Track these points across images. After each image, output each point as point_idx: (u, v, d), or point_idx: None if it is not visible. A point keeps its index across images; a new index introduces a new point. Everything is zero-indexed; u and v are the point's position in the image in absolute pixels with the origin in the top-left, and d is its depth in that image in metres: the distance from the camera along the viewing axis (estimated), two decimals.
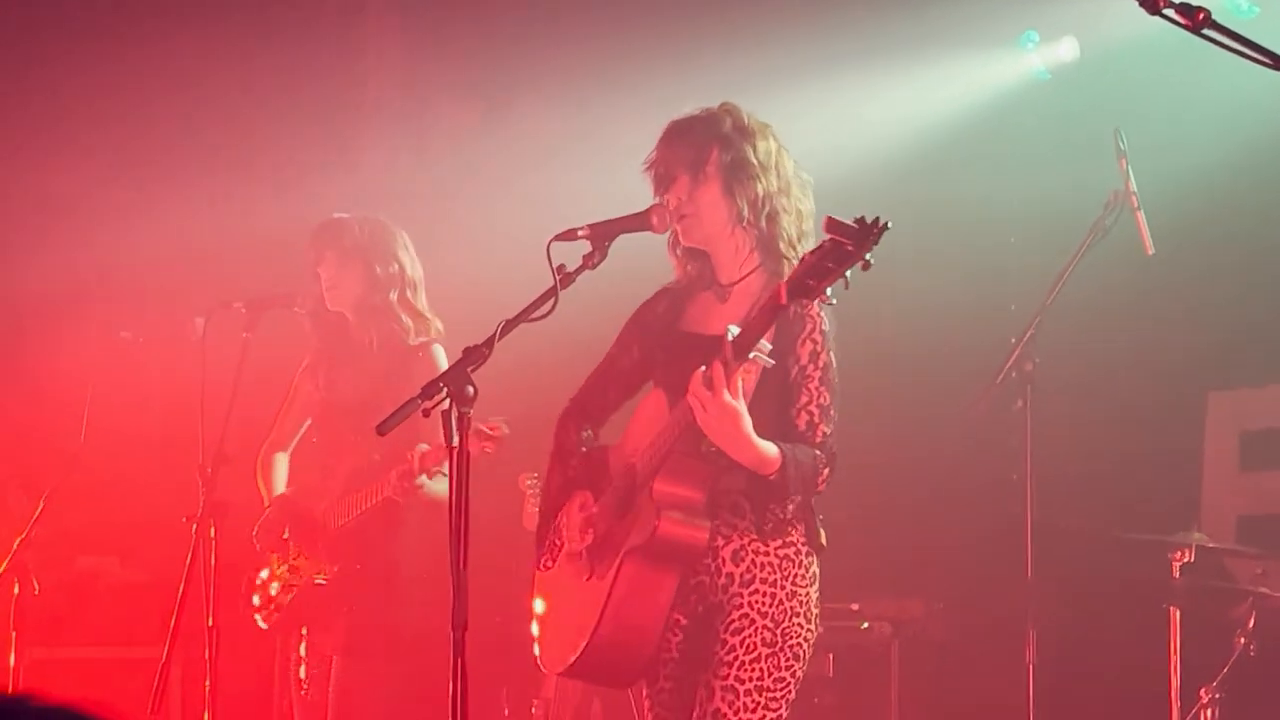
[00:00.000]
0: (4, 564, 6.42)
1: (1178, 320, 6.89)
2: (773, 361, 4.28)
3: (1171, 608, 5.98)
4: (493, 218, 7.66)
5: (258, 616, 6.12)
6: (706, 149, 4.58)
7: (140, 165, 7.64)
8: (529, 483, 6.86)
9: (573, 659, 4.51)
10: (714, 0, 7.82)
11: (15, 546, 6.43)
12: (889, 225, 3.84)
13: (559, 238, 4.33)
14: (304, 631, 6.09)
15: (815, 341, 4.46)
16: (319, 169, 7.81)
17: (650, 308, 4.79)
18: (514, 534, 6.86)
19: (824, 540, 4.54)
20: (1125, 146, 5.91)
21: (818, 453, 4.40)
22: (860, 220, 3.86)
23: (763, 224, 4.55)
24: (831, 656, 6.52)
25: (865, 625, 6.74)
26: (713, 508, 4.47)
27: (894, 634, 6.74)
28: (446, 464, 5.60)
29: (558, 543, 4.74)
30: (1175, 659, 5.98)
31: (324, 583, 6.02)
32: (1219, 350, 6.81)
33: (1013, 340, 6.00)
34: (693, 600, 4.53)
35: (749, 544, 4.49)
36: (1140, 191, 5.87)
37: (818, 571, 4.55)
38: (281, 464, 6.28)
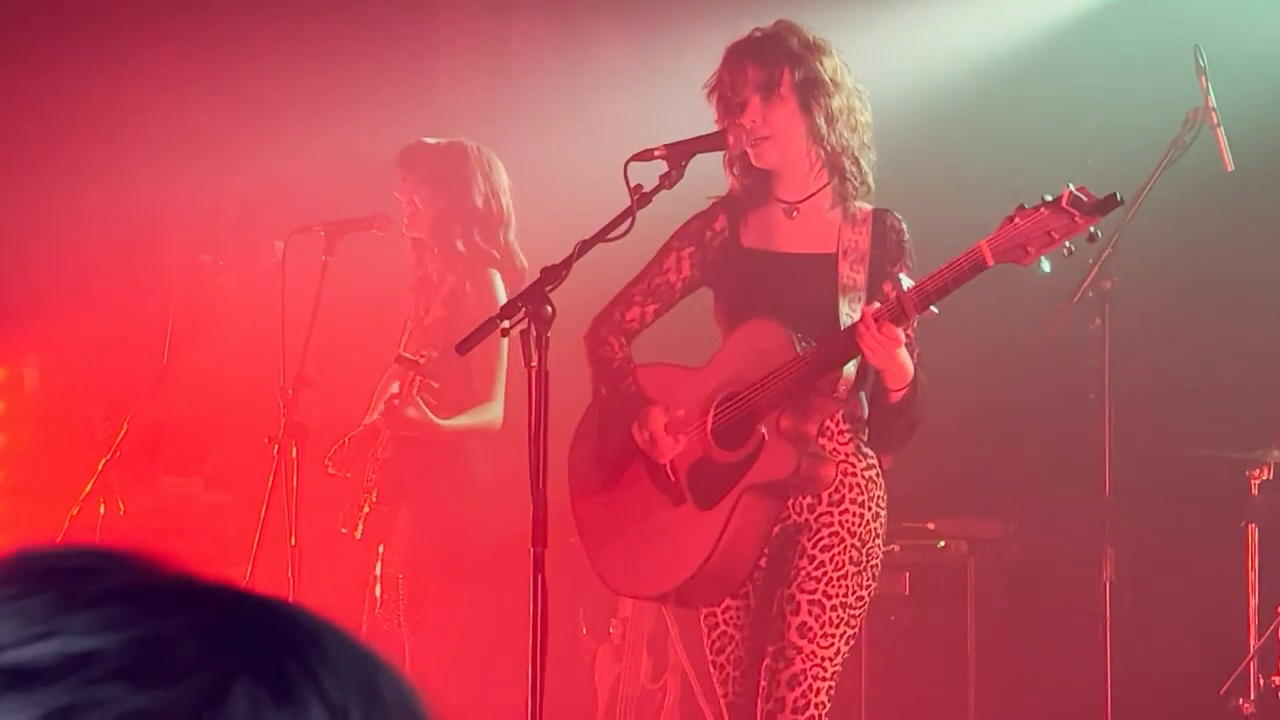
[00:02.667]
0: (89, 485, 6.50)
1: (1257, 237, 6.84)
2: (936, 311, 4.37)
3: (1250, 525, 5.98)
4: (570, 139, 7.66)
5: (357, 532, 6.12)
6: (778, 69, 4.56)
7: (219, 90, 7.68)
8: None
9: (669, 588, 4.55)
10: None
11: (100, 468, 6.51)
12: (1121, 201, 4.05)
13: (636, 158, 4.35)
14: (380, 549, 6.14)
15: (906, 259, 4.55)
16: (394, 92, 7.83)
17: (706, 223, 4.74)
18: None
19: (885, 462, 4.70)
20: (1205, 63, 5.85)
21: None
22: (1106, 197, 4.04)
23: (834, 139, 4.56)
24: (907, 575, 6.53)
25: (941, 544, 6.75)
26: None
27: (970, 553, 6.75)
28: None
29: (623, 460, 4.71)
30: (1253, 576, 5.97)
31: (376, 499, 6.06)
32: None
33: (1090, 259, 5.97)
34: (836, 520, 4.58)
35: (840, 462, 4.55)
36: (1220, 108, 5.82)
37: (885, 494, 4.67)
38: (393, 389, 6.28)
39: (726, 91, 4.63)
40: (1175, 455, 6.46)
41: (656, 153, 4.38)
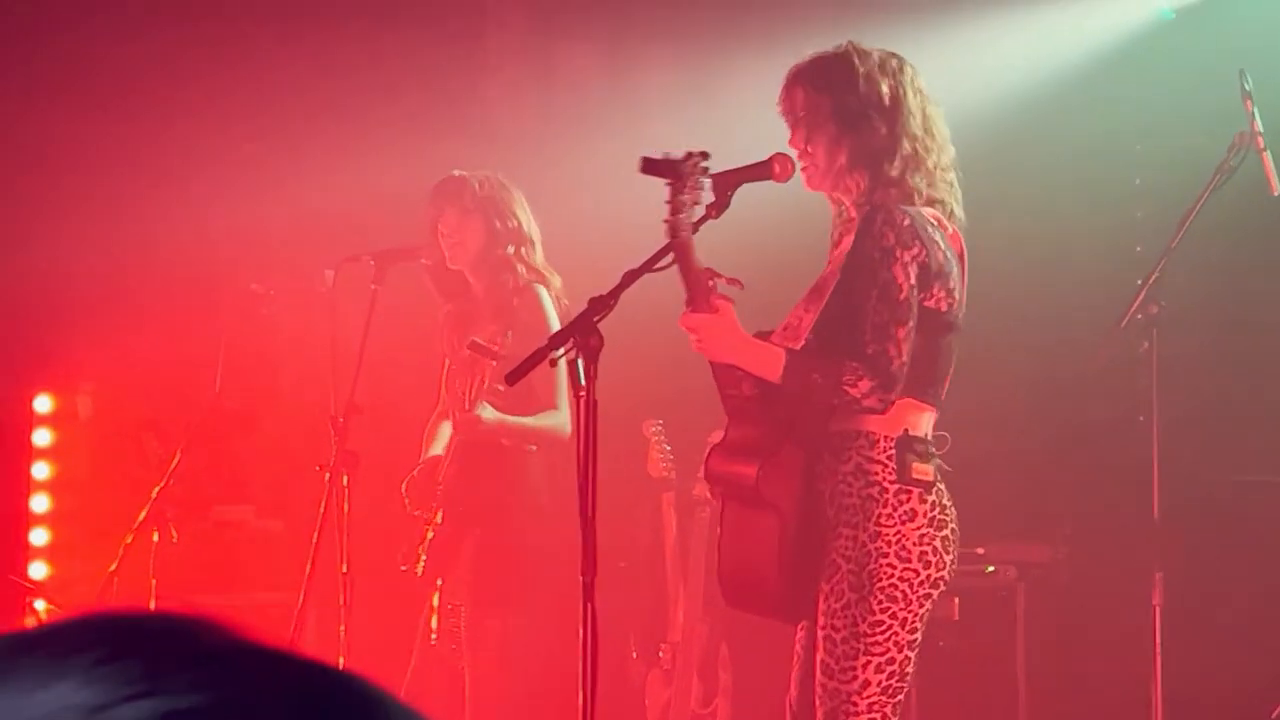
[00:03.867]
0: (143, 514, 6.55)
1: None
2: (734, 285, 4.50)
3: None
4: (617, 168, 7.69)
5: (419, 568, 6.16)
6: (818, 95, 4.57)
7: (267, 120, 7.73)
8: (653, 430, 6.90)
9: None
10: None
11: (154, 496, 6.56)
12: (697, 155, 4.28)
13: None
14: (439, 583, 6.17)
15: (873, 259, 4.41)
16: (442, 121, 7.87)
17: None
18: (639, 481, 6.92)
19: (919, 475, 4.45)
20: (1250, 87, 5.85)
21: (853, 363, 4.37)
22: (668, 156, 4.29)
23: (881, 164, 4.53)
24: (956, 601, 6.53)
25: (990, 569, 6.75)
26: (817, 452, 4.48)
27: (1019, 577, 6.74)
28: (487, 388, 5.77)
29: None
30: None
31: (437, 532, 6.09)
32: None
33: (1139, 282, 5.97)
34: (834, 546, 4.52)
35: (838, 485, 4.47)
36: (1266, 132, 5.82)
37: (919, 508, 4.43)
38: (444, 429, 6.33)
39: (785, 116, 4.65)
40: (1225, 479, 6.45)
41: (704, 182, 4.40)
